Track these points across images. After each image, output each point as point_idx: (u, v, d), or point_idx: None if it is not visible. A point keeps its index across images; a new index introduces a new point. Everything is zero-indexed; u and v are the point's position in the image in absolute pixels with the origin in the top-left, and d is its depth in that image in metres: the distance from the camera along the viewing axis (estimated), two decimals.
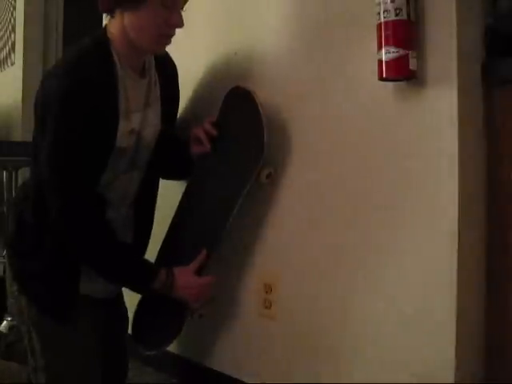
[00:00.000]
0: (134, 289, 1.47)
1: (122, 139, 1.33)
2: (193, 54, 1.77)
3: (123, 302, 1.59)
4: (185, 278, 1.41)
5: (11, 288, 1.37)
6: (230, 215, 1.46)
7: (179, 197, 1.63)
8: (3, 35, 3.27)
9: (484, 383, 1.23)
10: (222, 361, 1.70)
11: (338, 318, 1.39)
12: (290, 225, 1.50)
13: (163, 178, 1.60)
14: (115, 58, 1.31)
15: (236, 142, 1.49)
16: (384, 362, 1.30)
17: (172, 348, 1.82)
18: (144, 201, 1.48)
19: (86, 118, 1.25)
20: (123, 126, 1.32)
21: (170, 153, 1.55)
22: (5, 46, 3.24)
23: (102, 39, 1.32)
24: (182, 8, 1.33)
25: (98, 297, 1.42)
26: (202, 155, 1.54)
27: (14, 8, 3.12)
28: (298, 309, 1.49)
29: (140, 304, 1.57)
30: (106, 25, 1.36)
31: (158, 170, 1.55)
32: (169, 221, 1.62)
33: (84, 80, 1.25)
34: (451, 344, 1.17)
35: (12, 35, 3.15)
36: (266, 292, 1.56)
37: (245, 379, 1.61)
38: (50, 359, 1.34)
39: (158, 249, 1.61)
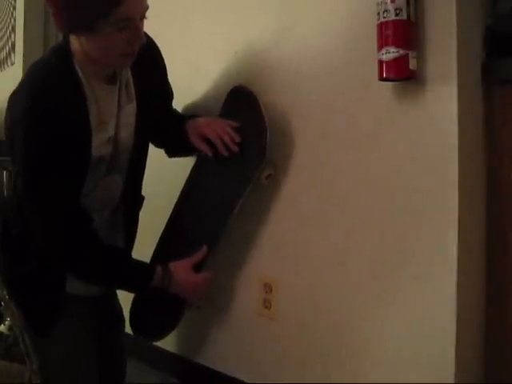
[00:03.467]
0: (132, 291, 1.48)
1: (99, 149, 1.30)
2: (193, 52, 1.77)
3: (116, 300, 1.57)
4: (181, 275, 1.40)
5: (2, 292, 1.36)
6: (229, 215, 1.46)
7: (176, 192, 1.62)
8: (3, 35, 3.26)
9: (484, 383, 1.23)
10: (222, 360, 1.70)
11: (338, 318, 1.39)
12: (290, 225, 1.50)
13: (167, 154, 1.59)
14: (80, 73, 1.25)
15: (237, 142, 1.48)
16: (384, 362, 1.30)
17: (172, 348, 1.82)
18: (131, 200, 1.45)
19: (54, 140, 1.21)
20: (99, 138, 1.29)
21: (168, 134, 1.54)
22: (5, 46, 3.24)
23: (64, 54, 1.26)
24: (144, 17, 1.22)
25: (88, 295, 1.40)
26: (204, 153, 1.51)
27: (14, 8, 3.11)
28: (297, 309, 1.49)
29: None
30: (67, 36, 1.28)
31: (161, 146, 1.55)
32: (164, 216, 1.61)
33: (48, 102, 1.21)
34: (451, 344, 1.17)
35: (12, 35, 3.14)
36: (266, 292, 1.56)
37: (245, 379, 1.61)
38: (44, 361, 1.33)
39: (154, 244, 1.60)
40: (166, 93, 1.53)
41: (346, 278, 1.38)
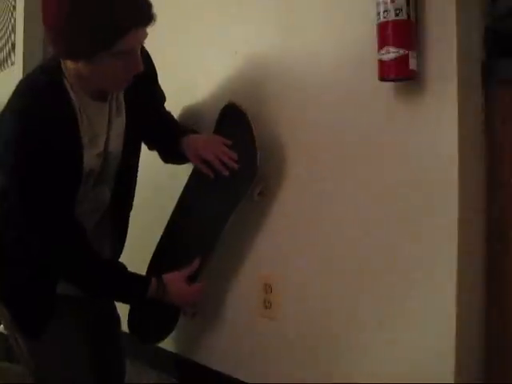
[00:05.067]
0: (127, 302, 1.51)
1: (90, 163, 1.30)
2: (193, 52, 1.77)
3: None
4: (175, 286, 1.43)
5: None
6: (222, 229, 1.50)
7: (172, 203, 1.64)
8: (3, 35, 3.26)
9: (484, 383, 1.23)
10: (222, 360, 1.70)
11: (338, 318, 1.39)
12: (290, 225, 1.50)
13: (162, 160, 1.61)
14: (71, 92, 1.25)
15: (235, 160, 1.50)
16: (384, 362, 1.30)
17: (172, 348, 1.82)
18: (119, 209, 1.47)
19: (46, 160, 1.21)
20: (90, 153, 1.30)
21: (162, 144, 1.56)
22: (5, 46, 3.24)
23: (54, 72, 1.25)
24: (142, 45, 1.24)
25: (80, 295, 1.40)
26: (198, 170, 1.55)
27: (14, 8, 3.11)
28: (297, 309, 1.49)
29: None
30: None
31: (156, 151, 1.57)
32: (160, 227, 1.64)
33: (39, 123, 1.20)
34: (451, 344, 1.17)
35: (12, 35, 3.14)
36: (266, 292, 1.56)
37: (245, 379, 1.61)
38: (38, 362, 1.33)
39: (149, 254, 1.63)
40: (157, 97, 1.54)
41: (346, 278, 1.38)
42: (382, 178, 1.30)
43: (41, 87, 1.24)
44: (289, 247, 1.51)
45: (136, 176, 1.49)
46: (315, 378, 1.43)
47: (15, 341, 1.35)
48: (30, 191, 1.24)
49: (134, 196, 1.51)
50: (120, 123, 1.37)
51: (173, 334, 1.71)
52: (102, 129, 1.32)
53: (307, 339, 1.46)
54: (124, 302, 1.49)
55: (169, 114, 1.60)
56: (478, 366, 1.23)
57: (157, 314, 1.55)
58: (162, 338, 1.64)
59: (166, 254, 1.62)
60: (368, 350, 1.33)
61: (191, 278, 1.47)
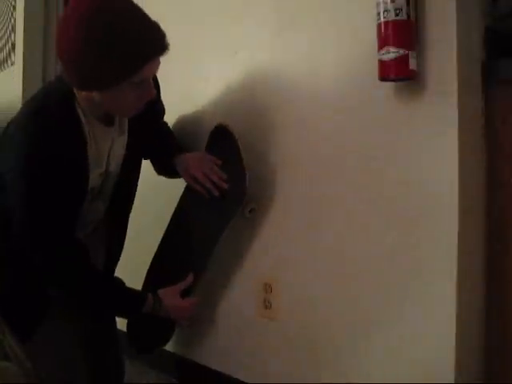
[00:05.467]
0: (124, 317, 1.55)
1: (93, 182, 1.33)
2: (193, 52, 1.77)
3: None
4: (170, 301, 1.46)
5: None
6: (214, 246, 1.54)
7: (166, 220, 1.68)
8: (3, 35, 3.26)
9: (484, 383, 1.23)
10: (222, 360, 1.70)
11: (338, 318, 1.39)
12: (290, 225, 1.50)
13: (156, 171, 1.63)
14: (81, 116, 1.26)
15: (224, 179, 1.53)
16: (384, 362, 1.30)
17: (172, 348, 1.82)
18: (113, 222, 1.49)
19: (53, 185, 1.22)
20: (93, 174, 1.32)
21: (155, 158, 1.59)
22: (5, 46, 3.24)
23: (65, 97, 1.25)
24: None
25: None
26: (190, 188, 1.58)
27: (14, 8, 3.11)
28: (298, 309, 1.49)
29: None
30: None
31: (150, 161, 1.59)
32: (155, 242, 1.68)
33: (47, 150, 1.21)
34: (451, 344, 1.17)
35: (12, 35, 3.14)
36: (266, 292, 1.56)
37: (245, 379, 1.61)
38: (34, 364, 1.33)
39: (145, 261, 1.67)
40: (157, 109, 1.55)
41: (346, 278, 1.38)
42: (382, 178, 1.30)
43: (53, 109, 1.24)
44: (289, 248, 1.51)
45: (134, 191, 1.52)
46: (315, 378, 1.43)
47: (7, 343, 1.34)
48: (34, 209, 1.25)
49: (131, 207, 1.53)
50: (121, 142, 1.39)
51: (173, 334, 1.71)
52: (105, 150, 1.34)
53: (307, 339, 1.46)
54: (121, 316, 1.54)
55: (166, 125, 1.63)
56: (478, 366, 1.23)
57: (153, 326, 1.58)
58: (157, 348, 1.69)
59: (161, 269, 1.67)
60: (368, 350, 1.33)
61: (185, 293, 1.51)
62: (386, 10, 1.18)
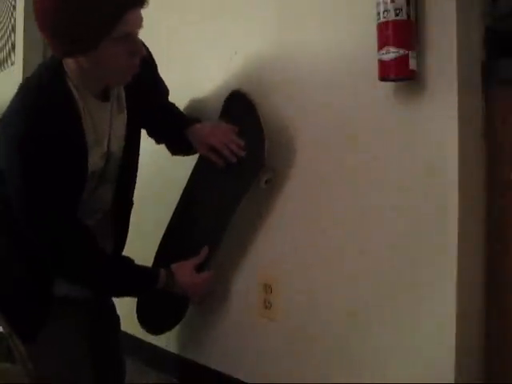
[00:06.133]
0: (136, 296, 1.51)
1: (95, 164, 1.31)
2: (192, 52, 1.77)
3: (109, 299, 1.56)
4: (183, 276, 1.43)
5: None
6: (230, 218, 1.48)
7: (177, 194, 1.63)
8: (3, 35, 3.26)
9: (484, 383, 1.23)
10: (222, 360, 1.70)
11: (338, 318, 1.39)
12: (291, 225, 1.50)
13: (170, 152, 1.60)
14: (74, 92, 1.25)
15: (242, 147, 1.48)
16: (384, 362, 1.30)
17: (172, 348, 1.82)
18: (121, 207, 1.46)
19: (52, 164, 1.21)
20: (95, 154, 1.30)
21: (169, 136, 1.56)
22: (5, 46, 3.24)
23: (57, 74, 1.24)
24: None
25: (77, 296, 1.39)
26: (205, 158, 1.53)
27: (14, 8, 3.11)
28: (298, 309, 1.49)
29: None
30: None
31: (163, 144, 1.57)
32: (165, 218, 1.63)
33: (43, 127, 1.20)
34: (451, 344, 1.17)
35: (12, 35, 3.14)
36: (266, 292, 1.56)
37: (245, 379, 1.61)
38: (37, 365, 1.32)
39: (155, 244, 1.62)
40: (160, 89, 1.53)
41: (346, 278, 1.38)
42: (382, 178, 1.30)
43: (44, 87, 1.24)
44: (289, 248, 1.51)
45: (136, 174, 1.49)
46: (315, 378, 1.43)
47: (12, 341, 1.34)
48: (35, 191, 1.23)
49: (133, 193, 1.50)
50: (121, 121, 1.36)
51: (173, 335, 1.72)
52: (104, 129, 1.32)
53: (307, 339, 1.46)
54: (133, 295, 1.49)
55: (173, 105, 1.59)
56: (478, 365, 1.23)
57: (165, 305, 1.54)
58: (169, 327, 1.63)
59: (173, 244, 1.60)
60: (368, 350, 1.33)
61: (199, 268, 1.47)
62: (385, 10, 1.18)
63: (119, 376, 1.55)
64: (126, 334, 1.64)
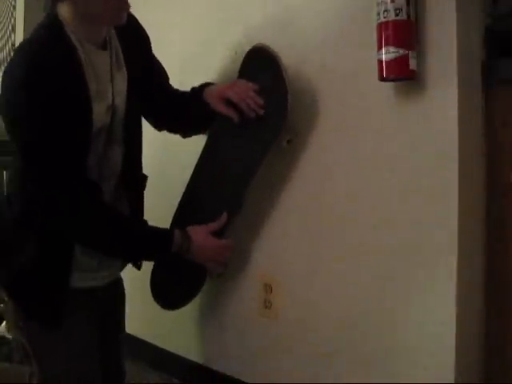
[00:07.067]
0: (151, 258, 1.44)
1: (100, 118, 1.27)
2: (191, 51, 1.78)
3: (120, 287, 1.50)
4: (201, 239, 1.36)
5: (1, 293, 1.31)
6: (250, 181, 1.41)
7: (193, 160, 1.57)
8: (3, 35, 3.26)
9: (484, 383, 1.23)
10: (222, 361, 1.70)
11: (338, 318, 1.39)
12: (291, 225, 1.50)
13: (182, 134, 1.55)
14: (73, 40, 1.24)
15: (261, 105, 1.40)
16: (384, 362, 1.30)
17: (172, 348, 1.82)
18: (131, 176, 1.40)
19: (56, 106, 1.17)
20: (99, 106, 1.26)
21: (186, 109, 1.51)
22: (5, 46, 3.24)
23: (53, 24, 1.24)
24: None
25: (90, 286, 1.34)
26: (224, 116, 1.45)
27: (14, 8, 3.11)
28: (298, 309, 1.49)
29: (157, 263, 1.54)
30: (54, 8, 1.26)
31: (175, 127, 1.53)
32: (181, 186, 1.57)
33: (46, 67, 1.18)
34: (451, 344, 1.17)
35: (12, 35, 3.14)
36: (266, 292, 1.56)
37: (245, 379, 1.61)
38: (46, 361, 1.30)
39: (171, 213, 1.55)
40: (158, 69, 1.50)
41: (346, 278, 1.38)
42: (382, 178, 1.30)
43: (43, 38, 1.23)
44: (289, 247, 1.51)
45: (141, 139, 1.44)
46: (315, 378, 1.43)
47: (19, 341, 1.32)
48: (40, 143, 1.19)
49: (141, 159, 1.45)
50: (122, 78, 1.34)
51: (173, 335, 1.72)
52: (106, 81, 1.30)
53: (307, 339, 1.46)
54: (147, 256, 1.40)
55: (180, 90, 1.55)
56: (478, 365, 1.23)
57: (180, 278, 1.48)
58: (185, 302, 1.56)
59: (190, 209, 1.52)
60: (368, 350, 1.33)
61: (217, 234, 1.39)
62: (385, 10, 1.18)
63: (120, 375, 1.55)
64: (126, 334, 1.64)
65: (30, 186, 1.25)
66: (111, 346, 1.48)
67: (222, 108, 1.45)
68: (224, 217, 1.41)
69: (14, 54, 1.25)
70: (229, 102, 1.44)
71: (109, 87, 1.30)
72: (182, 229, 1.36)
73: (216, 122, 1.50)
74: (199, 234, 1.37)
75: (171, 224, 1.51)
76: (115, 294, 1.48)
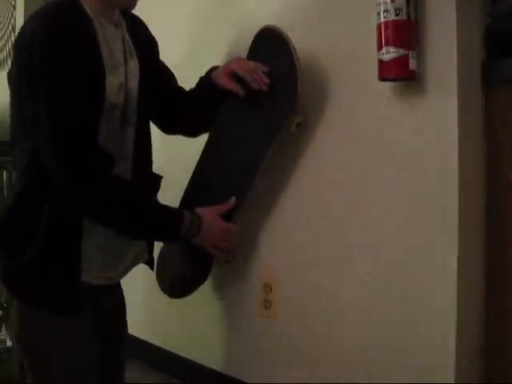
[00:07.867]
0: (159, 238, 1.42)
1: (113, 95, 1.27)
2: (190, 49, 1.78)
3: (120, 294, 1.48)
4: (210, 221, 1.33)
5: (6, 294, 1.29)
6: (259, 165, 1.39)
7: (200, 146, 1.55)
8: (3, 35, 3.26)
9: (484, 383, 1.23)
10: (222, 361, 1.70)
11: (338, 318, 1.39)
12: (291, 226, 1.51)
13: (193, 130, 1.53)
14: (89, 12, 1.25)
15: (267, 84, 1.39)
16: (384, 363, 1.30)
17: (172, 348, 1.82)
18: (141, 156, 1.38)
19: (73, 60, 1.18)
20: (112, 81, 1.26)
21: (197, 100, 1.50)
22: (5, 46, 3.24)
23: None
24: None
25: (99, 283, 1.31)
26: (231, 94, 1.44)
27: (14, 8, 3.11)
28: (298, 309, 1.49)
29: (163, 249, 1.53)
30: None
31: (186, 124, 1.53)
32: (188, 171, 1.55)
33: (65, 25, 1.19)
34: (451, 344, 1.17)
35: (12, 35, 3.14)
36: (266, 292, 1.56)
37: (245, 379, 1.61)
38: (43, 363, 1.25)
39: (178, 198, 1.53)
40: (167, 72, 1.51)
41: (346, 277, 1.38)
42: (382, 179, 1.30)
43: (60, 7, 1.23)
44: (289, 247, 1.51)
45: (150, 134, 1.43)
46: (315, 378, 1.43)
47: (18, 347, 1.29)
48: (59, 99, 1.19)
49: (152, 159, 1.43)
50: (134, 65, 1.35)
51: (173, 335, 1.71)
52: (119, 58, 1.31)
53: (307, 339, 1.46)
54: (155, 235, 1.37)
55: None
56: (478, 365, 1.23)
57: (186, 265, 1.47)
58: (191, 290, 1.53)
59: (198, 193, 1.50)
60: (368, 350, 1.33)
61: (226, 218, 1.36)
62: (385, 10, 1.18)
63: (119, 377, 1.54)
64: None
65: (44, 155, 1.20)
66: (115, 348, 1.46)
67: (228, 84, 1.45)
68: (232, 200, 1.39)
69: (29, 18, 1.24)
70: (236, 78, 1.43)
71: (121, 67, 1.30)
72: (191, 210, 1.33)
73: (225, 105, 1.48)
74: (208, 215, 1.34)
75: (180, 205, 1.49)
76: (116, 299, 1.46)
